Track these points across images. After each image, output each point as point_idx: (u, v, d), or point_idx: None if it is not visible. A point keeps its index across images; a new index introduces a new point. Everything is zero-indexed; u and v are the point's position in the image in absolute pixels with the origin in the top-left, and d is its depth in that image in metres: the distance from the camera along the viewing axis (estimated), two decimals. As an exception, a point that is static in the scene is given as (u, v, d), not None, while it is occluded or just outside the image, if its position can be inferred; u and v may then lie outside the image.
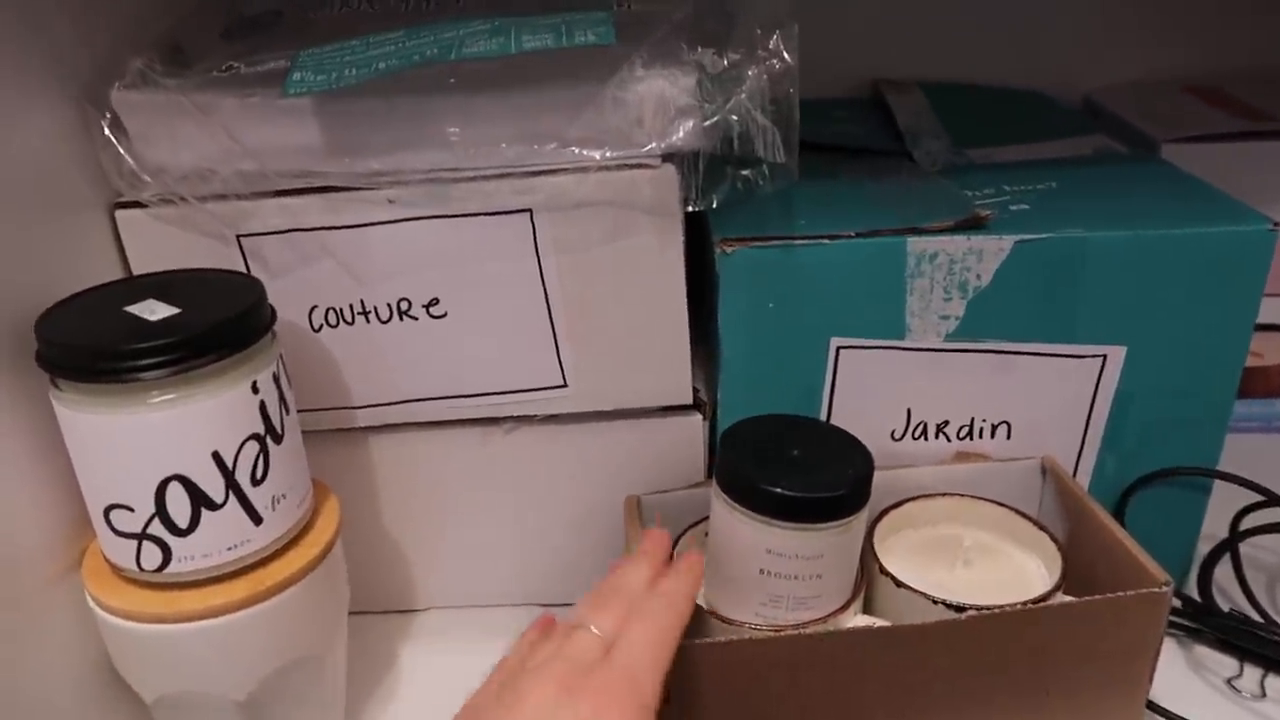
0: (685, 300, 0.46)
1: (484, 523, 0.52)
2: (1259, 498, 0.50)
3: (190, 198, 0.42)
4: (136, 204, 0.43)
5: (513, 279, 0.45)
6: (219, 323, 0.36)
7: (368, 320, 0.46)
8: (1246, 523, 0.51)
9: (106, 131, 0.42)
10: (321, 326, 0.46)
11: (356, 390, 0.47)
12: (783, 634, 0.40)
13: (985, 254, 0.45)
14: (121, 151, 0.42)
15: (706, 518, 0.48)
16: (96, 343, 0.35)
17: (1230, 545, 0.50)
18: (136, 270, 0.45)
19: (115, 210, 0.44)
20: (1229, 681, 0.48)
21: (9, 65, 0.38)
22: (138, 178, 0.42)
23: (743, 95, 0.38)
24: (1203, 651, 0.50)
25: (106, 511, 0.37)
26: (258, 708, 0.40)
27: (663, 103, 0.39)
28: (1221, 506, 0.51)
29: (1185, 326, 0.46)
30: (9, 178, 0.38)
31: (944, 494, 0.49)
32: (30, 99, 0.40)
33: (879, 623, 0.42)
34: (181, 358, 0.35)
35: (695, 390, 0.49)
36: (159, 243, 0.44)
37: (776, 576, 0.41)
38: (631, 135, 0.40)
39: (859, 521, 0.42)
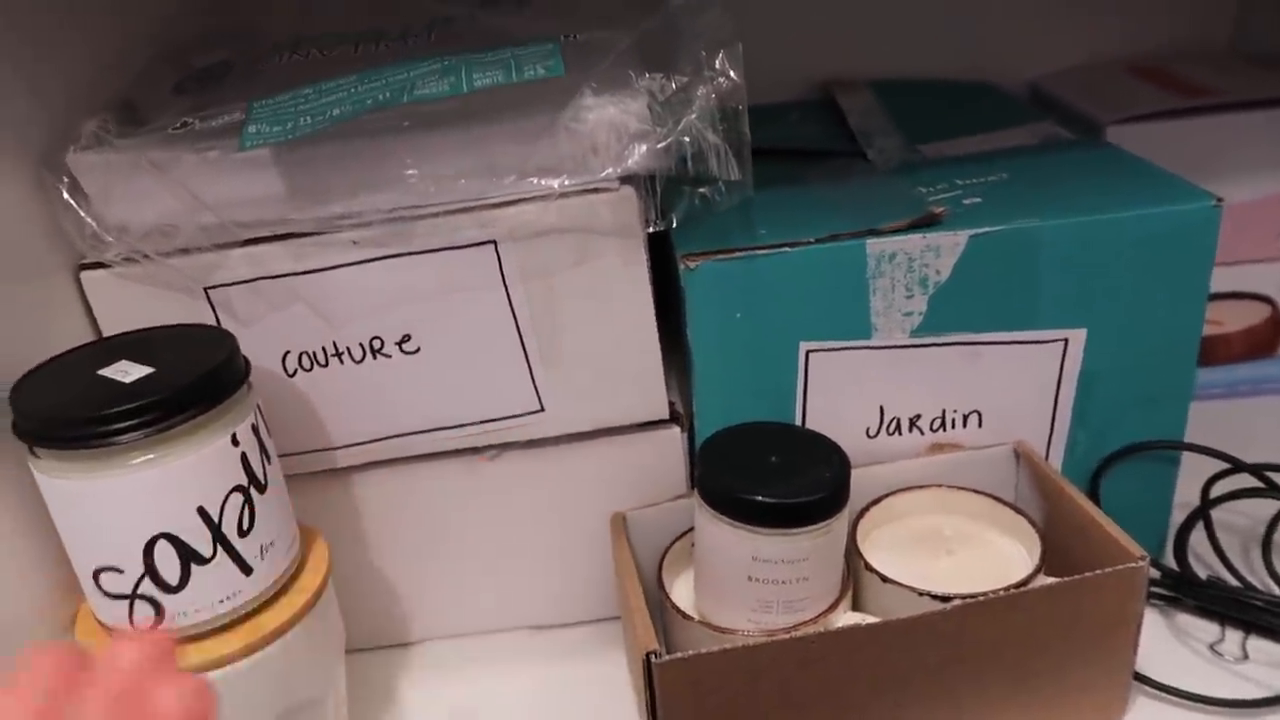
0: (654, 318, 0.46)
1: (473, 551, 0.52)
2: (1226, 465, 0.51)
3: (154, 255, 0.42)
4: (101, 264, 0.43)
5: (482, 310, 0.45)
6: (194, 379, 0.36)
7: (341, 361, 0.46)
8: (1216, 490, 0.52)
9: (65, 195, 0.42)
10: (296, 371, 0.46)
11: (336, 431, 0.48)
12: (775, 638, 0.41)
13: (942, 250, 0.46)
14: (82, 214, 0.42)
15: (691, 529, 0.48)
16: (71, 410, 0.35)
17: (1203, 513, 0.52)
18: (105, 330, 0.45)
19: (80, 272, 0.44)
20: (1211, 647, 0.49)
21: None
22: (100, 239, 0.42)
23: (693, 116, 0.39)
24: (1184, 619, 0.51)
25: (96, 574, 0.37)
26: (262, 756, 0.41)
27: (615, 129, 0.39)
28: (1192, 475, 0.53)
29: (1141, 305, 0.47)
30: (-28, 249, 0.38)
31: (922, 486, 0.50)
32: (-14, 169, 0.40)
33: (868, 619, 0.43)
34: (159, 417, 0.35)
35: (671, 404, 0.49)
36: (126, 301, 0.44)
37: (765, 582, 0.42)
38: (587, 162, 0.41)
39: (840, 522, 0.43)
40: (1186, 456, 0.52)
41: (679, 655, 0.40)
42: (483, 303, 0.45)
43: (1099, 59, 0.73)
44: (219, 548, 0.38)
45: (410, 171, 0.40)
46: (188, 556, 0.37)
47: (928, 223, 0.46)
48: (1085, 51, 0.73)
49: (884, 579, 0.45)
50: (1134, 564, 0.42)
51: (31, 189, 0.42)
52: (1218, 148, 0.61)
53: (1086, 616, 0.43)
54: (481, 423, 0.48)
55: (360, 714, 0.50)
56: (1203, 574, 0.51)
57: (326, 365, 0.46)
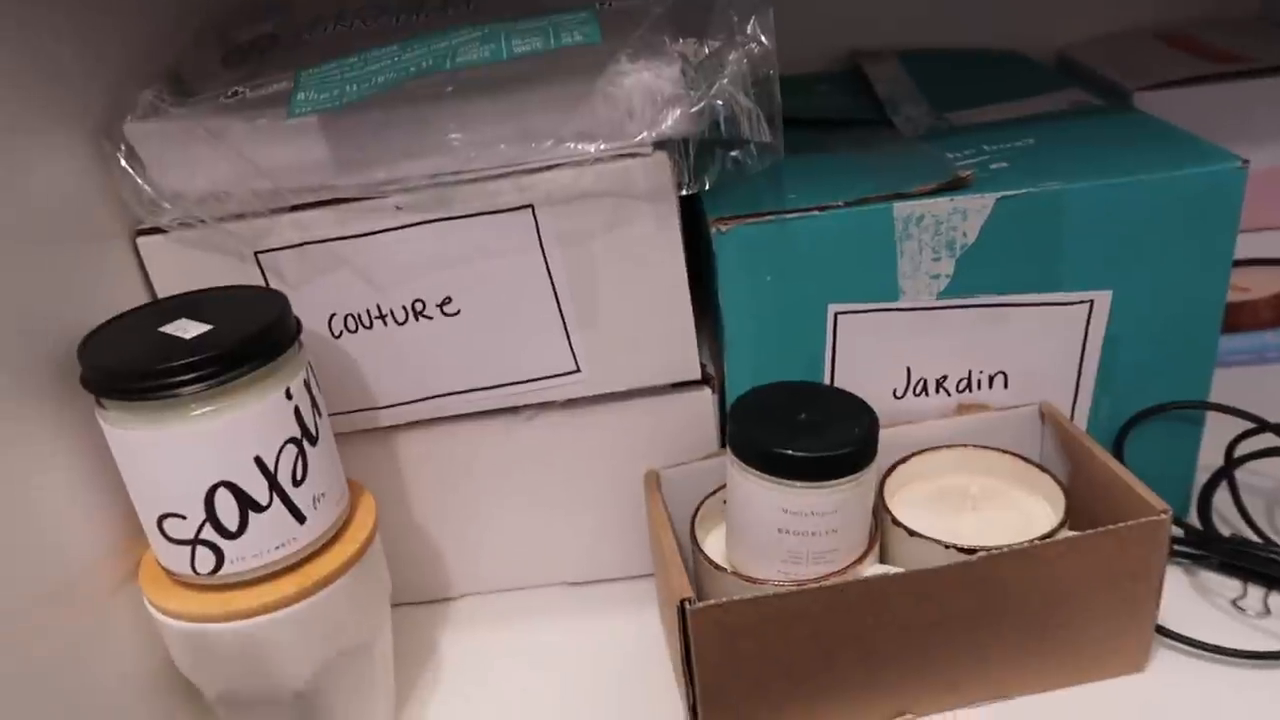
0: (686, 280, 0.48)
1: (511, 508, 0.54)
2: (1250, 425, 0.52)
3: (208, 219, 0.44)
4: (156, 230, 0.45)
5: (520, 273, 0.47)
6: (251, 335, 0.38)
7: (385, 323, 0.48)
8: (1240, 450, 0.53)
9: (123, 163, 0.44)
10: (341, 333, 0.48)
11: (380, 391, 0.49)
12: (805, 586, 0.42)
13: (969, 213, 0.47)
14: (139, 181, 0.44)
15: (723, 486, 0.50)
16: (137, 363, 0.37)
17: (1226, 473, 0.53)
18: (160, 293, 0.47)
19: (136, 237, 0.46)
20: (1234, 602, 0.50)
21: (30, 109, 0.40)
22: (156, 204, 0.44)
23: (725, 80, 0.40)
24: (1207, 576, 0.52)
25: (159, 521, 0.39)
26: (315, 697, 0.43)
27: (650, 94, 0.41)
28: (1216, 439, 0.53)
29: (1166, 267, 0.48)
30: (38, 215, 0.40)
31: (948, 446, 0.52)
32: (51, 139, 0.42)
33: (895, 571, 0.44)
34: (218, 371, 0.37)
35: (703, 365, 0.51)
36: (180, 265, 0.46)
37: (795, 534, 0.44)
38: (623, 127, 0.42)
39: (869, 476, 0.44)
40: (1210, 420, 0.53)
41: (713, 602, 0.41)
42: (520, 266, 0.46)
43: (1128, 28, 0.73)
44: (274, 496, 0.39)
45: (453, 136, 0.41)
46: (246, 504, 0.39)
47: (955, 186, 0.47)
48: (1115, 20, 0.73)
49: (910, 533, 0.46)
50: (1156, 517, 0.43)
51: (91, 158, 0.44)
52: (1246, 113, 0.61)
53: (1110, 568, 0.44)
54: (519, 383, 0.50)
55: (403, 664, 0.52)
56: (1226, 533, 0.52)
57: (370, 327, 0.48)
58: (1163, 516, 0.43)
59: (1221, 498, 0.53)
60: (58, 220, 0.42)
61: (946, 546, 0.44)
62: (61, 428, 0.40)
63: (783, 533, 0.44)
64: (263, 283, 0.46)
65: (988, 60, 0.70)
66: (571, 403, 0.51)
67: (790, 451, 0.42)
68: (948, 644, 0.44)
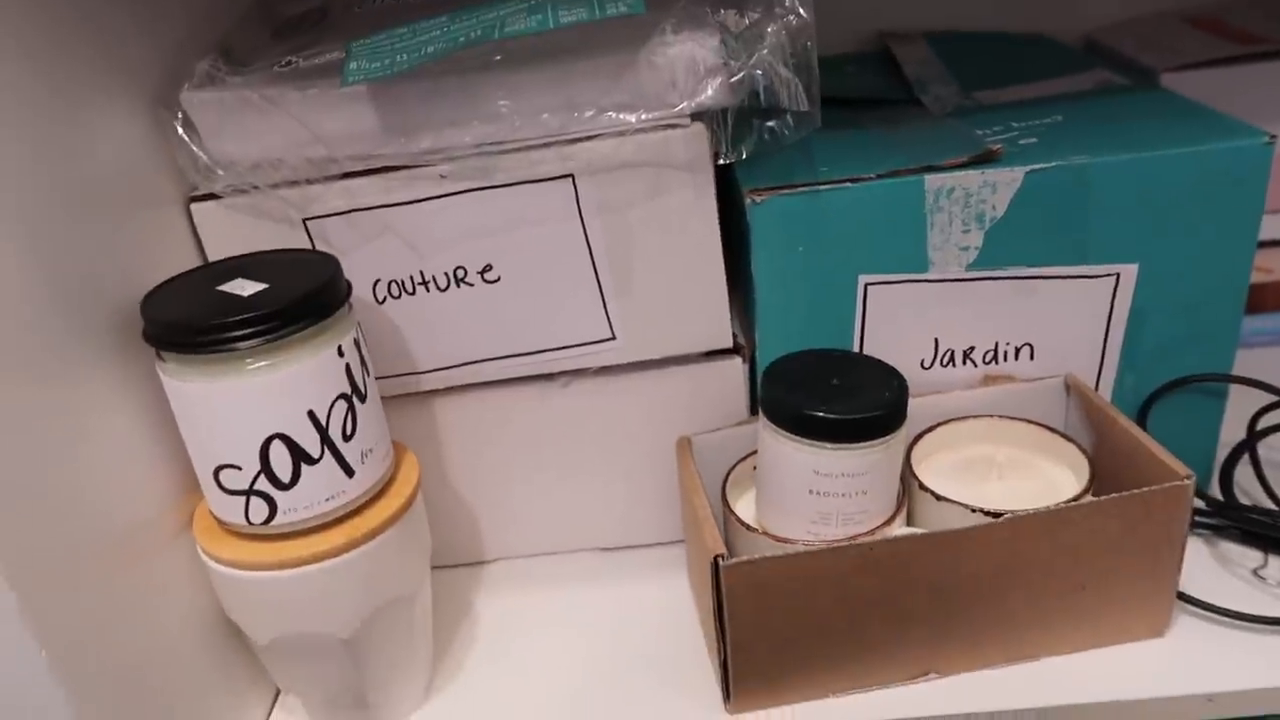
0: (721, 250, 0.49)
1: (546, 474, 0.55)
2: (1273, 398, 0.53)
3: (261, 186, 0.45)
4: (210, 196, 0.47)
5: (559, 241, 0.48)
6: (305, 294, 0.40)
7: (428, 290, 0.49)
8: (1263, 423, 0.53)
9: (180, 131, 0.45)
10: (385, 299, 0.49)
11: (421, 356, 0.51)
12: (835, 545, 0.43)
13: (999, 186, 0.48)
14: (194, 148, 0.46)
15: (753, 452, 0.51)
16: (197, 318, 0.39)
17: (1249, 445, 0.53)
18: (212, 258, 0.48)
19: (190, 203, 0.47)
20: (1255, 572, 0.51)
21: (92, 79, 0.42)
22: (211, 171, 0.46)
23: (764, 51, 0.41)
24: (1228, 546, 0.53)
25: (216, 472, 0.41)
26: (360, 644, 0.44)
27: (693, 64, 0.42)
28: (1237, 413, 0.54)
29: (1192, 241, 0.49)
30: (99, 180, 0.42)
31: (975, 416, 0.53)
32: (111, 108, 0.43)
33: (923, 532, 0.45)
34: (274, 327, 0.39)
35: (734, 335, 0.52)
36: (232, 230, 0.48)
37: (825, 495, 0.45)
38: (665, 97, 0.43)
39: (898, 440, 0.45)
40: (1233, 396, 0.53)
41: (745, 559, 0.43)
42: (560, 234, 0.48)
43: (1155, 10, 0.73)
44: (326, 450, 0.41)
45: (501, 103, 0.43)
46: (298, 456, 0.40)
47: (985, 160, 0.48)
48: (1141, 4, 0.74)
49: (938, 497, 0.47)
50: (1180, 482, 0.44)
51: (149, 127, 0.46)
52: (1272, 94, 0.62)
53: (1133, 533, 0.45)
54: (556, 349, 0.51)
55: (439, 625, 0.53)
56: (1247, 504, 0.53)
57: (414, 293, 0.49)
58: (1186, 482, 0.44)
59: (1243, 471, 0.54)
60: (117, 185, 0.43)
61: (973, 510, 0.45)
62: (122, 383, 0.42)
63: (813, 494, 0.45)
64: (310, 248, 0.48)
65: (1015, 42, 0.71)
66: (605, 370, 0.52)
67: (822, 413, 0.43)
68: (973, 606, 0.45)
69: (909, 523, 0.49)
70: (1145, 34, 0.69)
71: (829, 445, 0.44)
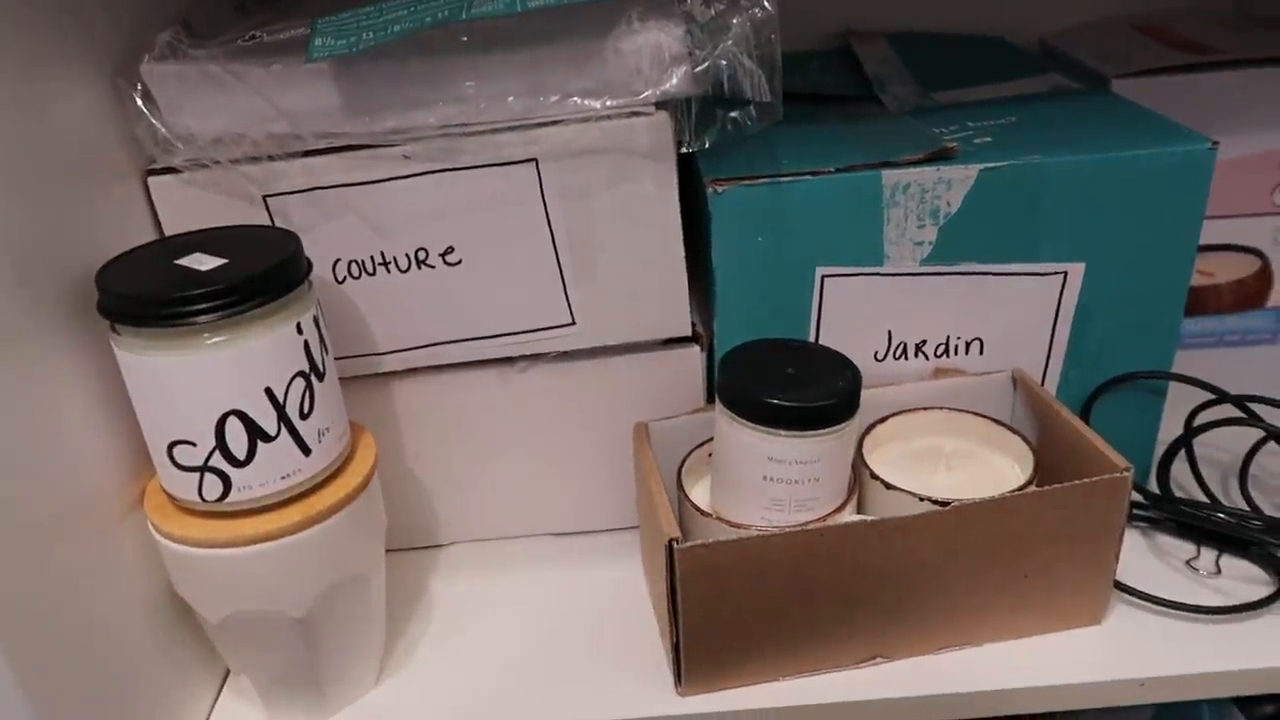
0: (681, 238, 0.49)
1: (503, 458, 0.56)
2: (1210, 397, 0.55)
3: (221, 161, 0.45)
4: (168, 170, 0.46)
5: (522, 225, 0.48)
6: (265, 270, 0.39)
7: (388, 270, 0.49)
8: (1199, 420, 0.55)
9: (139, 103, 0.45)
10: (345, 278, 0.49)
11: (380, 337, 0.51)
12: (786, 530, 0.44)
13: (954, 183, 0.49)
14: (154, 121, 0.45)
15: (708, 440, 0.52)
16: (156, 291, 0.38)
17: (1185, 441, 0.55)
18: (169, 232, 0.48)
19: (148, 177, 0.47)
20: (1188, 563, 0.53)
21: (49, 46, 0.41)
22: (169, 144, 0.45)
23: (729, 42, 0.42)
24: (1163, 539, 0.54)
25: (170, 448, 0.41)
26: (313, 624, 0.44)
27: (658, 52, 0.42)
28: (1176, 411, 0.56)
29: (1138, 241, 0.51)
30: (54, 149, 0.41)
31: (925, 408, 0.54)
32: (69, 76, 0.43)
33: (872, 519, 0.46)
34: (233, 302, 0.38)
35: (693, 323, 0.53)
36: (190, 206, 0.47)
37: (778, 482, 0.46)
38: (630, 84, 0.44)
39: (851, 429, 0.46)
40: (1171, 396, 0.55)
41: (699, 542, 0.43)
42: (522, 218, 0.48)
43: (1107, 17, 0.75)
44: (282, 427, 0.41)
45: (468, 84, 0.43)
46: (255, 433, 0.40)
47: (941, 157, 0.49)
48: (1094, 9, 0.76)
49: (887, 485, 0.48)
50: (1118, 474, 0.46)
51: (107, 97, 0.45)
52: (1217, 103, 0.64)
53: (1074, 522, 0.46)
54: (516, 334, 0.51)
55: (392, 608, 0.53)
56: (1183, 498, 0.55)
57: (374, 274, 0.49)
58: (1125, 474, 0.46)
59: (1179, 467, 0.56)
60: (72, 155, 0.43)
61: (921, 499, 0.47)
62: (73, 356, 0.41)
63: (767, 480, 0.46)
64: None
65: (972, 44, 0.72)
66: (564, 355, 0.53)
67: (778, 401, 0.44)
68: (920, 592, 0.47)
69: (859, 510, 0.50)
70: (1097, 40, 0.71)
71: (783, 432, 0.44)
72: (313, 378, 0.42)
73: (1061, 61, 0.70)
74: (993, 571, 0.47)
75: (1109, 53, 0.68)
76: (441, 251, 0.49)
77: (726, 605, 0.45)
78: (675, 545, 0.43)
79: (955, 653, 0.49)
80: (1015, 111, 0.56)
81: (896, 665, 0.48)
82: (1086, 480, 0.45)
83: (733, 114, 0.45)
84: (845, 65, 0.69)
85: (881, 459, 0.52)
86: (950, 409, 0.54)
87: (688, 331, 0.52)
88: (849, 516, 0.48)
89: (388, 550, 0.50)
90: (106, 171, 0.45)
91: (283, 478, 0.42)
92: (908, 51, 0.69)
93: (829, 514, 0.47)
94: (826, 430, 0.45)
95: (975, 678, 0.47)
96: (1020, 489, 0.47)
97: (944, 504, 0.46)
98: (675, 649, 0.47)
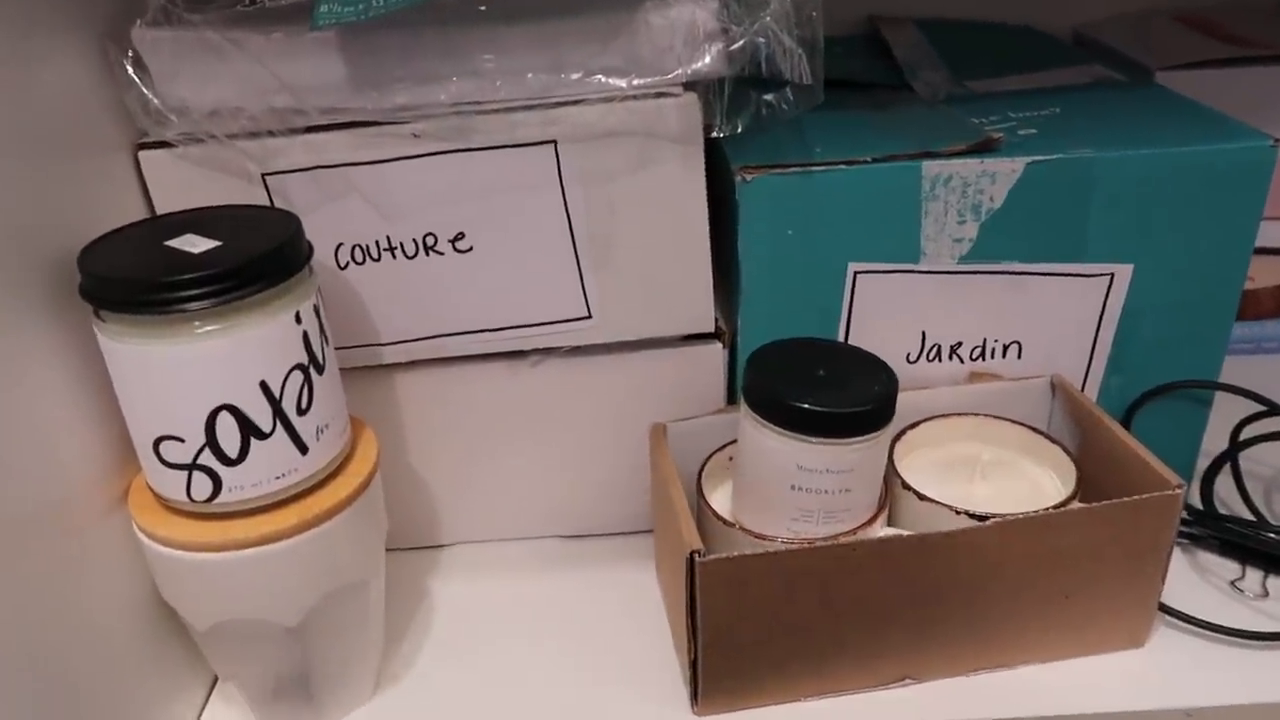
0: (707, 228, 0.46)
1: (510, 457, 0.53)
2: (1258, 408, 0.52)
3: (218, 135, 0.42)
4: (160, 144, 0.43)
5: (537, 211, 0.45)
6: (262, 254, 0.36)
7: (394, 256, 0.46)
8: (1246, 433, 0.53)
9: (129, 70, 0.42)
10: (348, 264, 0.46)
11: (384, 327, 0.48)
12: (815, 544, 0.41)
13: (998, 176, 0.46)
14: (145, 91, 0.42)
15: (730, 443, 0.49)
16: (143, 275, 0.35)
17: (1230, 455, 0.53)
18: (161, 210, 0.45)
19: (139, 151, 0.44)
20: (1233, 583, 0.50)
21: (34, 7, 0.38)
22: (163, 116, 0.42)
23: (767, 18, 0.39)
24: (1206, 557, 0.52)
25: (156, 444, 0.38)
26: (307, 633, 0.41)
27: (692, 28, 0.39)
28: (1219, 422, 0.53)
29: (1190, 244, 0.48)
30: (37, 119, 0.38)
31: (959, 413, 0.51)
32: (55, 41, 0.39)
33: (907, 533, 0.44)
34: (227, 288, 0.35)
35: (715, 320, 0.50)
36: (184, 183, 0.44)
37: (807, 491, 0.43)
38: (659, 62, 0.41)
39: (886, 436, 0.43)
40: (1215, 406, 0.52)
41: (722, 555, 0.41)
42: (538, 204, 0.45)
43: (1144, 8, 0.72)
44: (278, 423, 0.38)
45: (485, 58, 0.40)
46: (248, 430, 0.37)
47: (985, 148, 0.46)
48: (1130, 1, 0.73)
49: (921, 497, 0.45)
50: (1170, 491, 0.43)
51: (96, 64, 0.42)
52: (1263, 99, 0.61)
53: (1120, 541, 0.43)
54: (528, 326, 0.48)
55: (392, 610, 0.50)
56: (1227, 515, 0.52)
57: (379, 260, 0.46)
58: (1177, 491, 0.43)
59: (1224, 482, 0.53)
60: (57, 126, 0.40)
61: (958, 512, 0.44)
62: (52, 343, 0.38)
63: (795, 489, 0.43)
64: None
65: (1005, 32, 0.69)
66: (578, 350, 0.50)
67: (809, 406, 0.41)
68: (954, 611, 0.44)
69: (891, 523, 0.47)
70: (1136, 30, 0.68)
71: (815, 439, 0.41)
72: (311, 371, 0.39)
73: (1099, 52, 0.67)
74: (1032, 590, 0.44)
75: (1151, 44, 0.65)
76: (451, 237, 0.46)
77: (749, 621, 0.42)
78: (697, 558, 0.40)
79: (989, 675, 0.46)
80: (1058, 102, 0.53)
81: (927, 687, 0.45)
82: (1137, 497, 0.42)
83: (767, 97, 0.42)
84: (873, 51, 0.66)
85: (912, 466, 0.49)
86: (986, 415, 0.51)
87: (710, 328, 0.50)
88: (881, 530, 0.45)
89: (387, 550, 0.47)
90: (93, 144, 0.42)
91: (277, 477, 0.39)
92: (938, 38, 0.66)
93: (859, 526, 0.44)
94: (862, 438, 0.42)
95: (1010, 702, 0.44)
96: (1064, 503, 0.44)
97: (983, 519, 0.43)
98: (692, 665, 0.44)
